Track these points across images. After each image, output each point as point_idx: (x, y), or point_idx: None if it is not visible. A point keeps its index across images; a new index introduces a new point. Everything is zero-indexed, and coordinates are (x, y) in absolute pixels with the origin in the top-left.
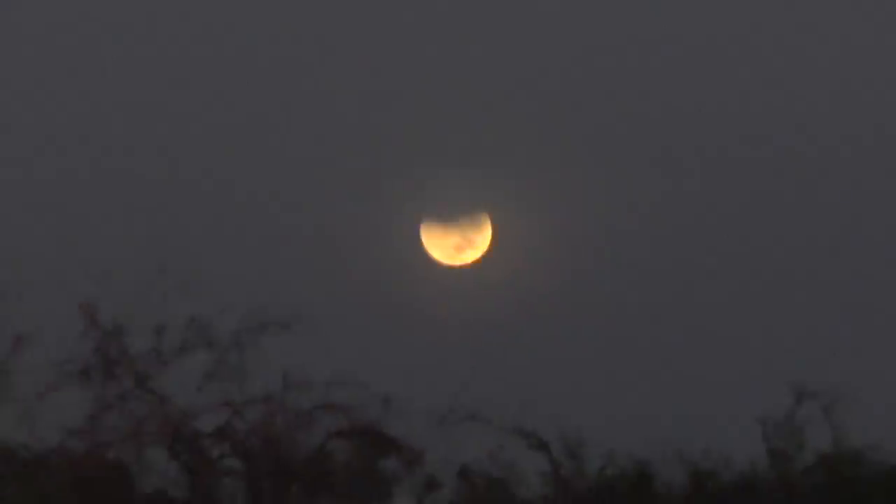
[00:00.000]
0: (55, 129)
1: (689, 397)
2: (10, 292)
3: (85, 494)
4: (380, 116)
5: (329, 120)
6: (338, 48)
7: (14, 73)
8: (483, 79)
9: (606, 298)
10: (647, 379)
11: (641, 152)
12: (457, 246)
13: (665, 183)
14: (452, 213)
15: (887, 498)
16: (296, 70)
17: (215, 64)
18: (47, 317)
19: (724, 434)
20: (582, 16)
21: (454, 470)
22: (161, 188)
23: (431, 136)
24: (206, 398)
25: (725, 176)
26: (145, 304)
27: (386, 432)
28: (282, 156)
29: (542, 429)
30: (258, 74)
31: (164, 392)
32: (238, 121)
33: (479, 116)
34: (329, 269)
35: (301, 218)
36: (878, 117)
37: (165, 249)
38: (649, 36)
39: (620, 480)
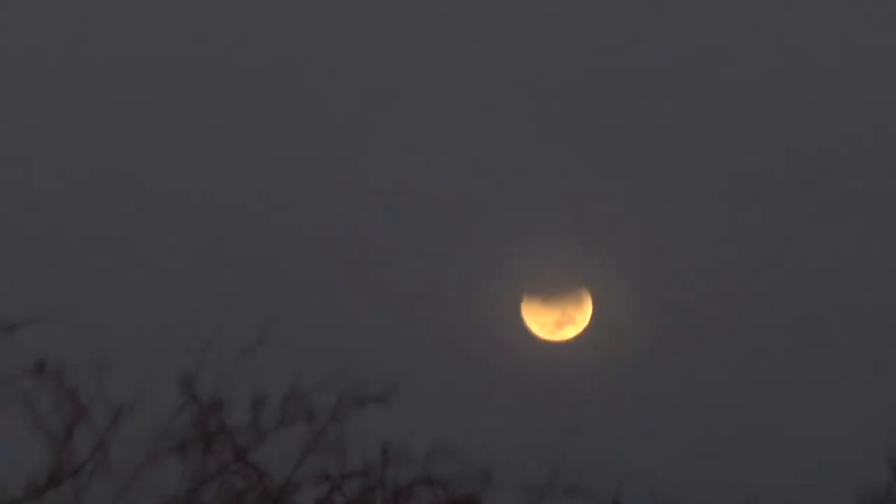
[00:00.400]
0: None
1: (787, 470)
2: (108, 362)
3: None
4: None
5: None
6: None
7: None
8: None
9: (701, 369)
10: (744, 451)
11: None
12: (557, 322)
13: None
14: (553, 289)
15: None
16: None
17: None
18: (145, 388)
19: None
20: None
21: None
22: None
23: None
24: (306, 472)
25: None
26: (243, 375)
27: None
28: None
29: (640, 501)
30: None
31: (262, 466)
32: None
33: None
34: (426, 340)
35: (395, 283)
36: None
37: (261, 313)
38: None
39: None
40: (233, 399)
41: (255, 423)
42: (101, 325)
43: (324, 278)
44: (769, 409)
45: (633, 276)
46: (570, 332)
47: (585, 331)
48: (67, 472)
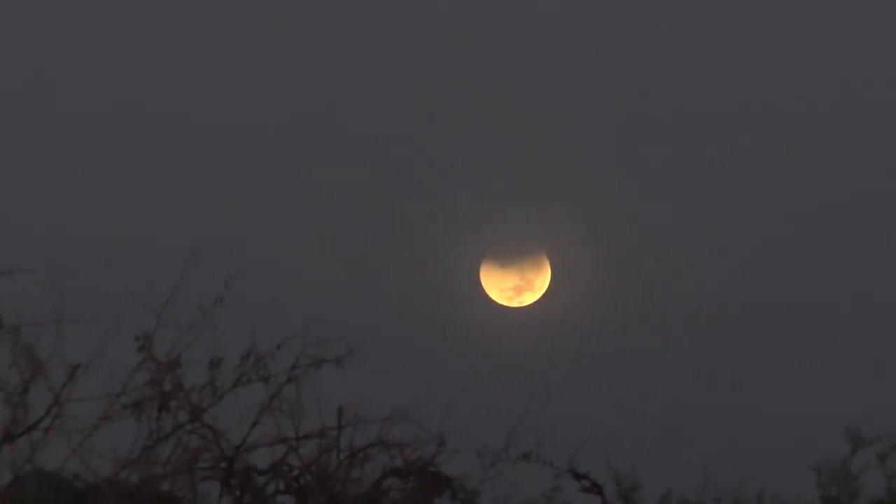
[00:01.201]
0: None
1: (743, 440)
2: (65, 320)
3: None
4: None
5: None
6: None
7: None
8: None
9: (660, 341)
10: (701, 421)
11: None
12: (516, 287)
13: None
14: (512, 254)
15: None
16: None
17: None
18: (102, 346)
19: (777, 480)
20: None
21: None
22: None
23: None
24: (261, 433)
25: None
26: (200, 335)
27: (441, 471)
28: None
29: (597, 470)
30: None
31: (218, 426)
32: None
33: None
34: (385, 305)
35: (356, 250)
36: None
37: (220, 279)
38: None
39: None
40: (190, 359)
41: (211, 382)
42: (60, 280)
43: (278, 239)
44: (725, 380)
45: (596, 244)
46: (528, 297)
47: (545, 296)
48: (22, 429)
